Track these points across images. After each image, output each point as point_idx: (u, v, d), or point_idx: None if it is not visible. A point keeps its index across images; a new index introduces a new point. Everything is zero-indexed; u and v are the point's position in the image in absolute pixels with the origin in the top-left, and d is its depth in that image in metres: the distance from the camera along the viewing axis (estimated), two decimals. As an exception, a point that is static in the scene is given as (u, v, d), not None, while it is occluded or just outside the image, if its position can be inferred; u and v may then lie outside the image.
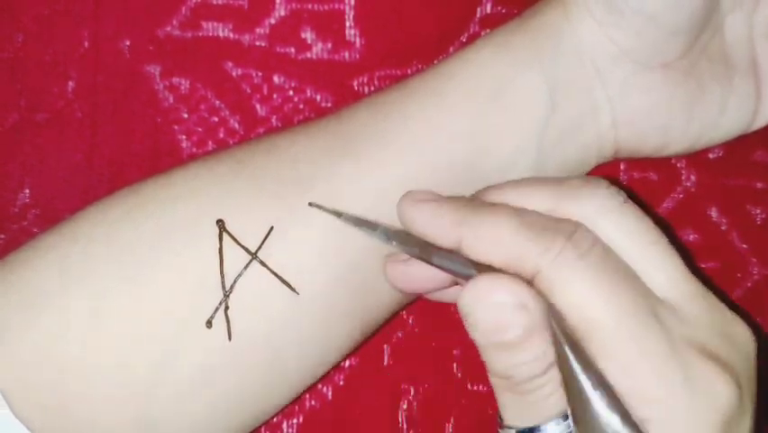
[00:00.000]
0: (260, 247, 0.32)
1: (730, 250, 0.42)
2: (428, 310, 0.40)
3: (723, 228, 0.42)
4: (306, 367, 0.34)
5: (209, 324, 0.32)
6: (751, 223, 0.42)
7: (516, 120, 0.34)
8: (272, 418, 0.39)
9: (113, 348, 0.32)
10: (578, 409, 0.27)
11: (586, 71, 0.35)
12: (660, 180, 0.42)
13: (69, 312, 0.32)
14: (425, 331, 0.41)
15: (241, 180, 0.33)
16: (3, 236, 0.40)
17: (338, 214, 0.32)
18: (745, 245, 0.42)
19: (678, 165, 0.42)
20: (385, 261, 0.33)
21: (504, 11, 0.41)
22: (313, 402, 0.41)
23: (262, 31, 0.41)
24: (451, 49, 0.41)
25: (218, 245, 0.32)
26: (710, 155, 0.42)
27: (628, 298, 0.27)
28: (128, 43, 0.40)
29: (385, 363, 0.41)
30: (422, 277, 0.32)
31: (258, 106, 0.41)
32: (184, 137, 0.41)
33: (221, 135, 0.41)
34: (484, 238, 0.28)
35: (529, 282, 0.28)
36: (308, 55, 0.41)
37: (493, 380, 0.29)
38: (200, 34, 0.41)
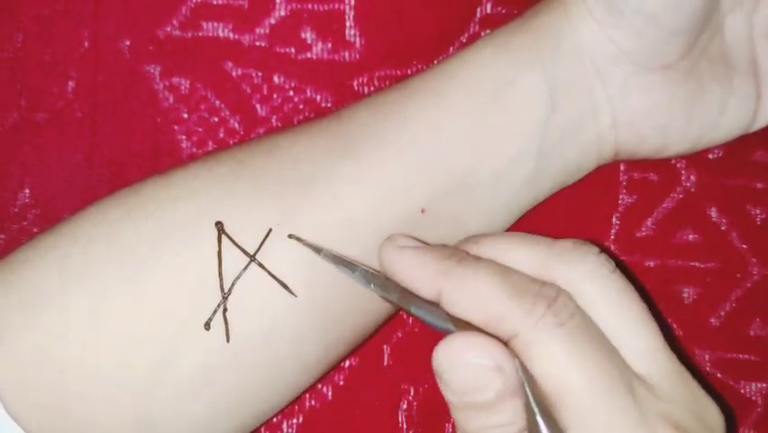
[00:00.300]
0: (258, 249, 0.32)
1: (730, 250, 0.42)
2: (428, 310, 0.40)
3: (723, 228, 0.42)
4: (305, 368, 0.34)
5: (207, 326, 0.32)
6: (751, 223, 0.42)
7: (517, 120, 0.34)
8: (272, 418, 0.39)
9: (113, 348, 0.32)
10: None
11: (586, 72, 0.35)
12: (660, 181, 0.42)
13: (69, 312, 0.32)
14: (425, 331, 0.41)
15: (241, 181, 0.33)
16: (3, 236, 0.40)
17: (318, 250, 0.32)
18: (744, 246, 0.42)
19: (678, 165, 0.42)
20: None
21: (504, 11, 0.41)
22: (313, 402, 0.41)
23: (262, 31, 0.41)
24: (451, 49, 0.41)
25: (217, 247, 0.32)
26: (710, 155, 0.42)
27: (604, 369, 0.27)
28: (128, 43, 0.40)
29: (385, 363, 0.41)
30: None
31: (258, 107, 0.41)
32: (184, 137, 0.41)
33: (221, 135, 0.41)
34: (465, 293, 0.28)
35: (505, 344, 0.28)
36: (308, 55, 0.41)
37: None
38: (200, 34, 0.41)
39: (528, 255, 0.29)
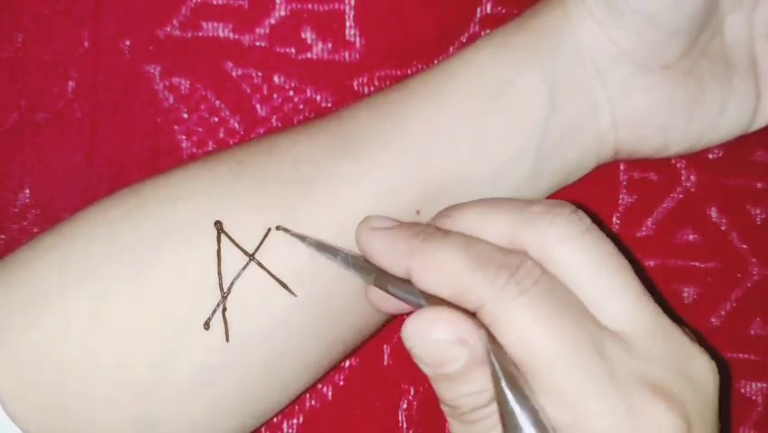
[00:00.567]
0: (257, 249, 0.32)
1: (730, 250, 0.42)
2: (428, 310, 0.40)
3: (723, 228, 0.42)
4: (305, 368, 0.34)
5: (207, 325, 0.32)
6: (751, 223, 0.42)
7: (517, 120, 0.34)
8: (272, 418, 0.39)
9: (113, 348, 0.32)
10: None
11: (586, 72, 0.35)
12: (660, 181, 0.42)
13: (69, 312, 0.32)
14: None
15: (241, 181, 0.33)
16: (3, 236, 0.40)
17: (302, 238, 0.32)
18: (744, 245, 0.42)
19: (678, 165, 0.42)
20: (365, 284, 0.33)
21: (504, 11, 0.41)
22: (313, 402, 0.41)
23: (262, 31, 0.41)
24: (451, 49, 0.41)
25: (216, 247, 0.32)
26: (710, 155, 0.42)
27: (570, 333, 0.27)
28: (128, 43, 0.40)
29: (385, 363, 0.41)
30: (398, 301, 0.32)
31: (258, 107, 0.41)
32: (184, 137, 0.41)
33: (221, 135, 0.41)
34: (430, 270, 0.28)
35: (474, 315, 0.28)
36: (308, 55, 0.41)
37: (443, 407, 0.29)
38: (200, 34, 0.41)
39: (499, 224, 0.29)
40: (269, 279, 0.32)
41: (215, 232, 0.32)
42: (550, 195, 0.37)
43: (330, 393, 0.41)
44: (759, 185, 0.42)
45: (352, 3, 0.41)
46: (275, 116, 0.41)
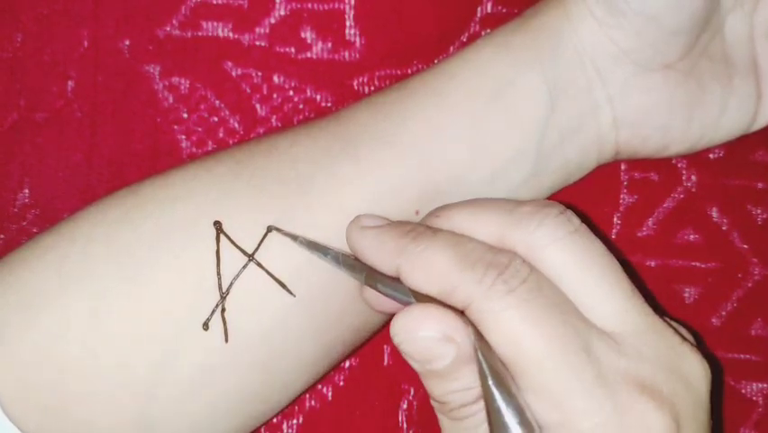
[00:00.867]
0: (257, 249, 0.32)
1: (731, 250, 0.41)
2: (428, 310, 0.40)
3: (724, 228, 0.42)
4: (304, 368, 0.34)
5: (206, 326, 0.32)
6: (752, 223, 0.42)
7: (517, 120, 0.34)
8: (272, 418, 0.39)
9: (112, 348, 0.32)
10: None
11: (586, 72, 0.35)
12: (660, 180, 0.42)
13: (69, 312, 0.32)
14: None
15: (240, 181, 0.33)
16: (2, 236, 0.40)
17: (294, 237, 0.32)
18: (745, 245, 0.42)
19: (679, 165, 0.42)
20: (360, 284, 0.33)
21: (504, 10, 0.41)
22: (313, 402, 0.41)
23: (262, 30, 0.41)
24: (451, 49, 0.41)
25: (216, 247, 0.32)
26: (711, 155, 0.42)
27: (557, 331, 0.27)
28: (128, 43, 0.40)
29: (385, 363, 0.41)
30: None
31: (258, 106, 0.41)
32: (184, 137, 0.41)
33: (221, 135, 0.41)
34: (419, 268, 0.29)
35: (462, 313, 0.28)
36: (308, 55, 0.41)
37: (432, 403, 0.29)
38: (200, 34, 0.41)
39: (488, 224, 0.29)
40: (268, 279, 0.32)
41: (214, 232, 0.32)
42: (551, 195, 0.37)
43: (330, 394, 0.41)
44: (760, 185, 0.42)
45: (352, 2, 0.41)
46: (275, 116, 0.41)
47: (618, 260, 0.29)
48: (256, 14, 0.41)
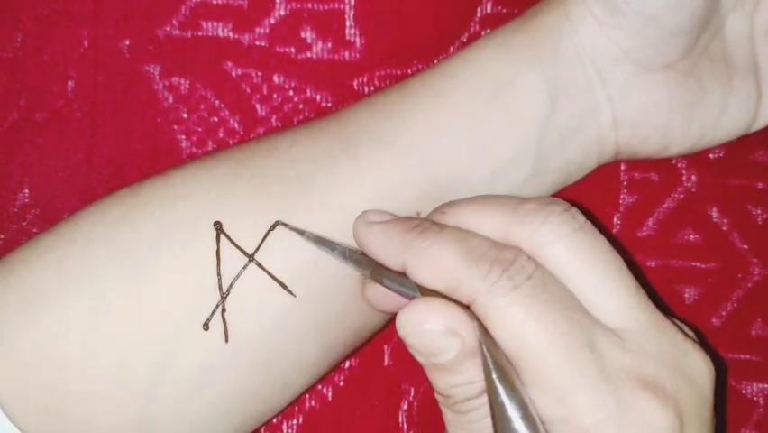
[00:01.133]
0: (257, 249, 0.32)
1: (731, 250, 0.41)
2: (428, 311, 0.40)
3: (724, 228, 0.42)
4: (304, 368, 0.34)
5: (206, 326, 0.32)
6: (752, 223, 0.42)
7: (517, 120, 0.34)
8: (272, 418, 0.39)
9: (112, 348, 0.32)
10: None
11: (586, 72, 0.35)
12: (661, 181, 0.42)
13: (69, 312, 0.32)
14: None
15: (240, 181, 0.33)
16: (2, 237, 0.40)
17: (301, 232, 0.32)
18: (745, 246, 0.42)
19: (679, 165, 0.42)
20: (362, 283, 0.33)
21: (504, 11, 0.41)
22: (313, 403, 0.41)
23: (262, 30, 0.41)
24: (451, 49, 0.41)
25: (216, 247, 0.32)
26: (711, 155, 0.42)
27: (561, 328, 0.27)
28: (128, 43, 0.40)
29: (385, 363, 0.41)
30: (396, 297, 0.32)
31: (258, 106, 0.41)
32: (184, 137, 0.41)
33: (221, 135, 0.41)
34: (424, 263, 0.29)
35: (468, 307, 0.28)
36: (308, 55, 0.41)
37: (437, 396, 0.29)
38: (200, 34, 0.41)
39: (493, 221, 0.29)
40: (268, 279, 0.32)
41: (215, 232, 0.32)
42: (551, 195, 0.37)
43: (330, 394, 0.41)
44: (760, 185, 0.42)
45: (352, 2, 0.41)
46: (275, 116, 0.41)
47: (623, 258, 0.29)
48: (256, 14, 0.41)
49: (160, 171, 0.35)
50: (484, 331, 0.28)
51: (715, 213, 0.42)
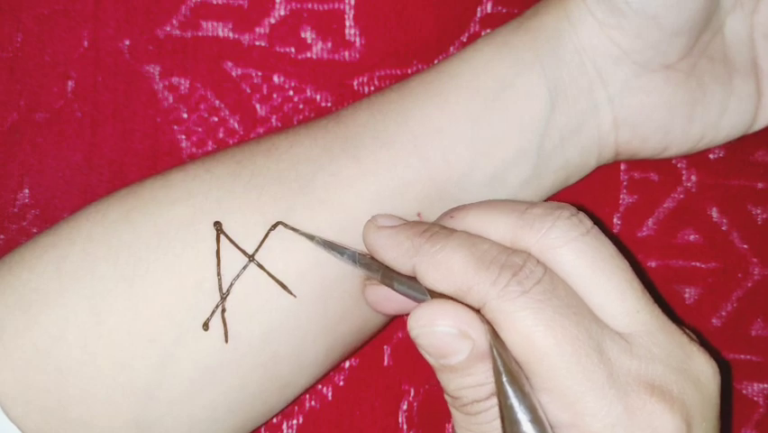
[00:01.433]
0: (257, 250, 0.32)
1: (731, 250, 0.41)
2: (428, 311, 0.40)
3: (724, 228, 0.42)
4: (304, 369, 0.34)
5: (206, 326, 0.32)
6: (752, 223, 0.42)
7: (517, 120, 0.34)
8: (272, 418, 0.39)
9: (112, 349, 0.32)
10: None
11: (587, 72, 0.35)
12: (660, 181, 0.42)
13: (68, 312, 0.32)
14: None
15: (240, 181, 0.33)
16: (2, 236, 0.40)
17: (310, 237, 0.32)
18: (745, 245, 0.42)
19: (678, 165, 0.42)
20: (363, 285, 0.33)
21: (504, 11, 0.41)
22: (313, 403, 0.41)
23: (262, 30, 0.41)
24: (451, 48, 0.41)
25: (216, 247, 0.32)
26: (711, 155, 0.42)
27: (570, 332, 0.27)
28: (128, 43, 0.40)
29: (385, 363, 0.41)
30: (397, 300, 0.32)
31: (258, 106, 0.41)
32: (184, 137, 0.41)
33: (221, 135, 0.41)
34: (434, 268, 0.29)
35: (479, 310, 0.28)
36: (308, 55, 0.41)
37: (446, 397, 0.30)
38: (200, 34, 0.41)
39: (501, 226, 0.30)
40: (268, 280, 0.32)
41: (215, 232, 0.32)
42: (551, 196, 0.37)
43: (330, 394, 0.41)
44: (760, 185, 0.42)
45: (352, 2, 0.41)
46: (275, 116, 0.41)
47: (629, 261, 0.30)
48: (256, 14, 0.41)
49: (160, 171, 0.35)
50: (494, 334, 0.28)
51: (715, 213, 0.42)
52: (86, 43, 0.40)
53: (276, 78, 0.41)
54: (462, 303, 0.28)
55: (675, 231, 0.42)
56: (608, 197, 0.42)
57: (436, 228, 0.30)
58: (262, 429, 0.40)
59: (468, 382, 0.28)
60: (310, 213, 0.33)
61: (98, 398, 0.32)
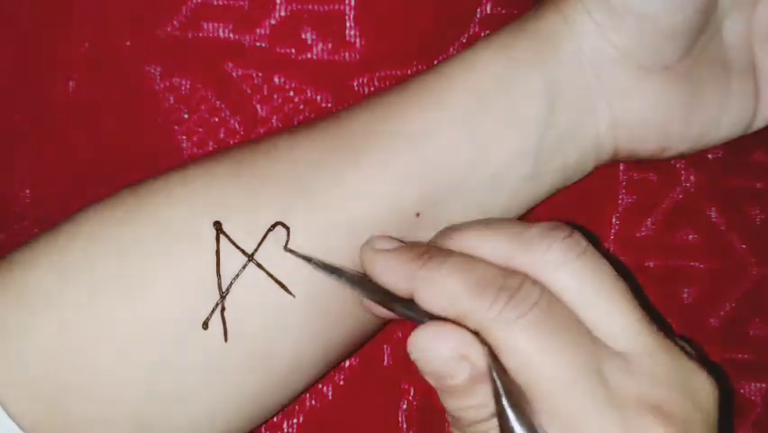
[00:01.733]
0: (256, 249, 0.32)
1: (729, 250, 0.42)
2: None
3: (722, 228, 0.42)
4: (303, 368, 0.34)
5: (205, 325, 0.32)
6: (750, 223, 0.42)
7: (516, 122, 0.34)
8: (272, 417, 0.39)
9: (111, 348, 0.32)
10: None
11: (585, 74, 0.35)
12: (659, 181, 0.42)
13: (67, 312, 0.32)
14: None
15: (240, 182, 0.33)
16: (3, 236, 0.40)
17: (308, 259, 0.32)
18: (744, 246, 0.42)
19: (677, 165, 0.42)
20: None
21: (504, 11, 0.41)
22: (313, 402, 0.41)
23: (263, 31, 0.41)
24: (451, 49, 0.41)
25: (215, 247, 0.32)
26: (710, 155, 0.42)
27: (568, 354, 0.27)
28: (129, 44, 0.40)
29: (385, 363, 0.41)
30: None
31: (258, 107, 0.41)
32: (184, 137, 0.41)
33: (221, 136, 0.41)
34: (432, 293, 0.29)
35: (476, 332, 0.28)
36: (309, 55, 0.41)
37: (448, 417, 0.30)
38: (200, 35, 0.41)
39: (497, 248, 0.30)
40: (267, 279, 0.32)
41: (214, 232, 0.32)
42: (550, 196, 0.37)
43: (330, 393, 0.41)
44: (758, 185, 0.42)
45: (352, 3, 0.41)
46: (275, 117, 0.41)
47: (624, 277, 0.30)
48: (256, 15, 0.41)
49: (160, 172, 0.35)
50: (494, 356, 0.28)
51: (713, 213, 0.42)
52: (87, 44, 0.40)
53: (276, 79, 0.41)
54: (462, 325, 0.29)
55: (674, 231, 0.42)
56: (606, 197, 0.42)
57: (433, 251, 0.30)
58: (262, 428, 0.40)
59: (469, 403, 0.29)
60: (309, 214, 0.33)
61: (98, 396, 0.32)
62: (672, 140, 0.36)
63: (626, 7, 0.34)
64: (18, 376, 0.31)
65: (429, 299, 0.29)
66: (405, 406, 0.41)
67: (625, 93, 0.35)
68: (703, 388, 0.29)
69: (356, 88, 0.41)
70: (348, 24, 0.41)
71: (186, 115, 0.41)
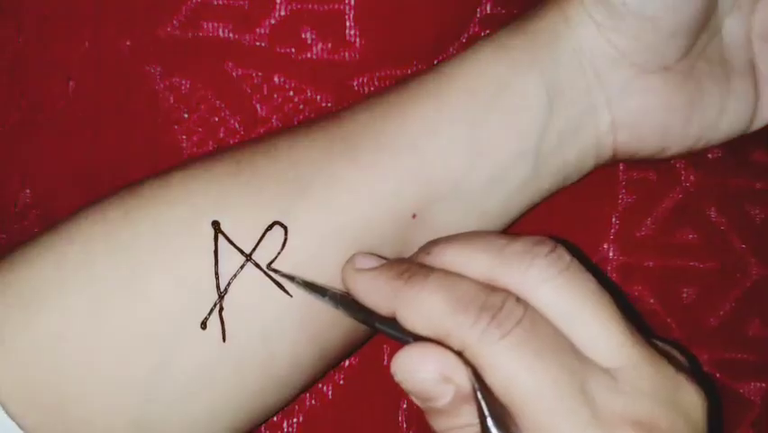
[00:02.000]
0: (254, 249, 0.32)
1: (729, 250, 0.41)
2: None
3: (722, 228, 0.42)
4: (302, 368, 0.34)
5: (204, 325, 0.32)
6: (750, 223, 0.42)
7: (515, 122, 0.34)
8: (272, 417, 0.39)
9: (111, 348, 0.32)
10: None
11: (585, 74, 0.35)
12: (659, 180, 0.42)
13: (67, 312, 0.32)
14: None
15: (239, 182, 0.33)
16: (4, 236, 0.40)
17: (291, 277, 0.32)
18: (744, 245, 0.42)
19: (677, 165, 0.42)
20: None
21: (504, 11, 0.41)
22: (313, 402, 0.41)
23: (262, 31, 0.41)
24: (450, 49, 0.41)
25: (214, 247, 0.32)
26: (709, 155, 0.42)
27: (551, 373, 0.27)
28: (129, 43, 0.40)
29: (385, 362, 0.41)
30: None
31: (258, 107, 0.41)
32: (184, 137, 0.41)
33: (221, 135, 0.41)
34: (414, 313, 0.29)
35: (459, 353, 0.28)
36: (308, 55, 0.41)
37: None
38: (200, 34, 0.41)
39: (479, 265, 0.29)
40: (265, 279, 0.32)
41: (213, 232, 0.32)
42: (549, 196, 0.37)
43: (330, 392, 0.41)
44: (758, 185, 0.42)
45: (352, 3, 0.41)
46: (275, 116, 0.41)
47: (610, 290, 0.29)
48: (256, 15, 0.41)
49: (160, 171, 0.35)
50: (478, 376, 0.28)
51: (713, 213, 0.42)
52: (87, 44, 0.40)
53: (276, 79, 0.41)
54: (445, 345, 0.28)
55: (674, 231, 0.42)
56: (606, 196, 0.42)
57: (414, 269, 0.30)
58: (262, 428, 0.40)
59: (455, 423, 0.29)
60: (308, 213, 0.33)
61: (97, 396, 0.32)
62: (671, 140, 0.36)
63: (625, 8, 0.34)
64: (18, 376, 0.31)
65: (411, 319, 0.29)
66: (405, 406, 0.41)
67: (625, 93, 0.35)
68: (690, 399, 0.29)
69: (356, 88, 0.41)
70: (348, 24, 0.41)
71: (186, 115, 0.41)
